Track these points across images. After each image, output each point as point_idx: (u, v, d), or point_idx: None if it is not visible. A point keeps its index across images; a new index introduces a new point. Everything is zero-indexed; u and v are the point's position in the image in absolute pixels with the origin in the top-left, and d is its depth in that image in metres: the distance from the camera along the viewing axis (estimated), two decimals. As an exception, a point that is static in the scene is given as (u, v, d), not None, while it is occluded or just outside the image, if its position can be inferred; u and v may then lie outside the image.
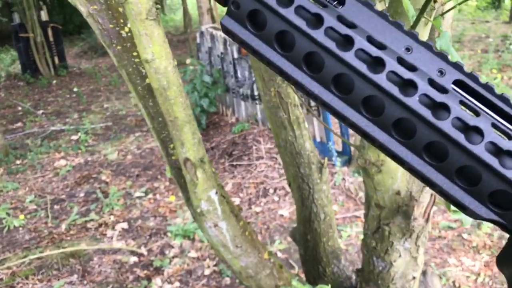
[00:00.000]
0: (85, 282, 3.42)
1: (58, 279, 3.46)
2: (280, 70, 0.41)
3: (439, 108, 0.38)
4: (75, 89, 8.23)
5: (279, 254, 3.53)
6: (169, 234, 3.89)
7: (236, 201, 4.31)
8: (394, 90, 0.38)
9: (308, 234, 1.85)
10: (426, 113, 0.37)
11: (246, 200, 4.33)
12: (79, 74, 9.49)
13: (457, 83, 0.39)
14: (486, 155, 0.37)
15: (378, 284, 1.59)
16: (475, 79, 0.39)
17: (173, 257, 3.62)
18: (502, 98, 0.39)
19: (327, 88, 0.40)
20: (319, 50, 0.39)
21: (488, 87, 0.39)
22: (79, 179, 5.04)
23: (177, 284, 3.35)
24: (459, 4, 0.93)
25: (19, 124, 6.87)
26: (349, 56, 0.38)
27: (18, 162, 5.50)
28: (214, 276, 3.38)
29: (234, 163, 4.89)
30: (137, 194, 4.61)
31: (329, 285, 1.48)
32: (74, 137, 6.15)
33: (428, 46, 0.40)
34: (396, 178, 1.39)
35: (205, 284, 3.33)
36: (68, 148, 5.79)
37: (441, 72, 0.39)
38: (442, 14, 0.99)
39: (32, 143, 6.00)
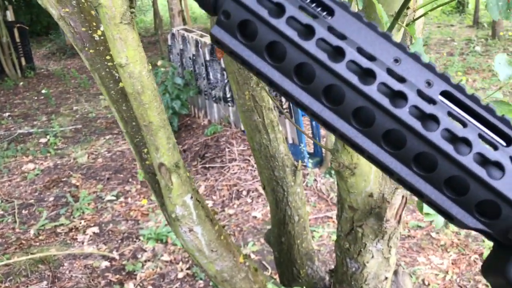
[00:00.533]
0: (55, 288, 3.36)
1: (27, 286, 3.38)
2: (269, 81, 0.41)
3: (429, 120, 0.39)
4: (43, 91, 8.05)
5: (253, 256, 3.54)
6: (141, 237, 3.85)
7: (209, 203, 4.30)
8: (385, 102, 0.38)
9: (282, 236, 1.86)
10: (416, 125, 0.38)
11: (219, 202, 4.33)
12: (47, 76, 9.29)
13: (445, 94, 0.40)
14: (474, 166, 0.38)
15: (351, 285, 1.61)
16: (461, 90, 0.40)
17: (145, 261, 3.58)
18: (487, 108, 0.40)
19: (317, 99, 0.40)
20: (310, 61, 0.39)
21: (474, 98, 0.40)
22: (48, 183, 4.94)
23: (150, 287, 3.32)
24: (431, 10, 0.96)
25: (-15, 127, 6.68)
26: (340, 68, 0.38)
27: (-17, 166, 5.36)
28: (188, 279, 3.36)
29: (207, 165, 4.88)
30: (108, 197, 4.55)
31: (303, 287, 1.50)
32: (43, 140, 6.02)
33: (416, 57, 0.40)
34: (369, 181, 1.41)
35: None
36: (37, 152, 5.66)
37: (429, 83, 0.40)
38: (414, 20, 1.02)
39: (-2, 147, 5.85)
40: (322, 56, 0.39)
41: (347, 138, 0.40)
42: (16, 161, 5.46)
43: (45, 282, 3.42)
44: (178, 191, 1.31)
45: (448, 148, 0.38)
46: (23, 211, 4.40)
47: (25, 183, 4.97)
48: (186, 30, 5.91)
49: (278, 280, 1.99)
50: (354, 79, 0.39)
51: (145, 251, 3.71)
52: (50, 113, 7.09)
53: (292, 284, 1.86)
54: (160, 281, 3.38)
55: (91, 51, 1.31)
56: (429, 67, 0.40)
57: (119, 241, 3.88)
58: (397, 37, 1.07)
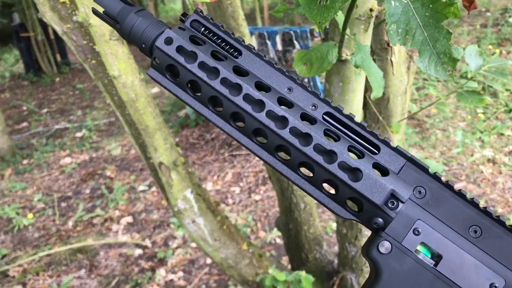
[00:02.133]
0: (92, 276, 3.57)
1: (67, 274, 3.62)
2: (193, 109, 0.54)
3: (304, 137, 0.51)
4: (78, 86, 8.35)
5: (278, 241, 3.65)
6: (172, 225, 4.02)
7: (236, 190, 4.43)
8: (272, 124, 0.51)
9: (289, 223, 1.95)
10: (295, 141, 0.50)
11: (246, 189, 4.45)
12: (81, 71, 9.60)
13: (327, 114, 0.53)
14: (339, 172, 0.50)
15: (352, 267, 1.70)
16: (339, 110, 0.53)
17: (176, 248, 3.75)
18: (360, 124, 0.53)
19: (227, 122, 0.53)
20: (217, 94, 0.52)
21: (349, 117, 0.53)
22: (84, 176, 5.18)
23: (181, 274, 3.49)
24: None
25: (25, 124, 7.02)
26: (238, 100, 0.51)
27: (25, 162, 5.66)
28: (215, 264, 3.50)
29: (234, 153, 5.00)
30: (141, 188, 4.74)
31: (303, 271, 1.59)
32: (78, 134, 6.28)
33: (304, 86, 0.53)
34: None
35: (207, 273, 3.46)
36: (73, 146, 5.92)
37: (315, 106, 0.53)
38: (378, 24, 1.08)
39: (37, 143, 6.15)
40: (225, 91, 0.52)
41: (250, 151, 0.53)
42: (55, 156, 5.74)
43: (83, 270, 3.65)
44: (178, 186, 1.42)
45: (319, 158, 0.50)
46: (62, 204, 4.65)
47: (63, 176, 5.23)
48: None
49: (289, 265, 2.08)
50: (248, 108, 0.51)
51: (175, 238, 3.87)
52: (85, 108, 7.36)
53: (301, 268, 1.96)
54: (190, 267, 3.54)
55: (93, 61, 1.43)
56: (315, 94, 0.53)
57: (152, 229, 4.06)
58: (365, 38, 1.13)
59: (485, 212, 0.51)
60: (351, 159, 0.50)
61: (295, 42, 4.66)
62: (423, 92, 5.42)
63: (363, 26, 1.11)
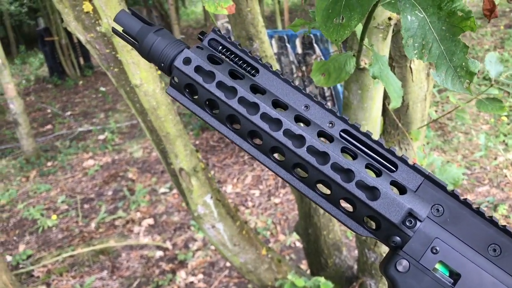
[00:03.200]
0: (114, 277, 3.63)
1: (90, 275, 3.68)
2: (212, 126, 0.55)
3: (321, 156, 0.51)
4: (100, 89, 8.48)
5: (297, 244, 3.65)
6: (192, 228, 4.05)
7: (256, 193, 4.44)
8: (289, 143, 0.51)
9: (309, 228, 1.96)
10: (312, 160, 0.51)
11: (265, 192, 4.46)
12: (104, 74, 9.73)
13: (344, 131, 0.53)
14: (356, 190, 0.50)
15: (372, 274, 1.69)
16: (356, 128, 0.53)
17: (196, 250, 3.78)
18: (377, 142, 0.53)
19: (245, 140, 0.54)
20: (235, 113, 0.53)
21: (366, 135, 0.53)
22: (107, 178, 5.26)
23: (201, 276, 3.52)
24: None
25: (49, 126, 7.15)
26: (255, 119, 0.52)
27: (49, 164, 5.77)
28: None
29: (254, 155, 5.01)
30: (162, 190, 4.79)
31: (322, 277, 1.59)
32: (101, 137, 6.38)
33: (321, 104, 0.54)
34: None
35: (227, 275, 3.48)
36: (96, 148, 6.02)
37: (332, 124, 0.53)
38: (397, 32, 1.08)
39: (61, 145, 6.26)
40: (243, 111, 0.52)
41: (268, 168, 0.54)
42: (78, 158, 5.84)
43: (105, 272, 3.70)
44: (198, 192, 1.44)
45: (336, 177, 0.50)
46: (85, 206, 4.73)
47: (86, 178, 5.32)
48: (228, 22, 6.03)
49: (308, 270, 2.09)
50: (266, 127, 0.52)
51: (196, 240, 3.91)
52: (107, 110, 7.47)
53: (321, 273, 1.96)
54: (210, 269, 3.57)
55: (115, 69, 1.46)
56: (332, 111, 0.53)
57: (172, 231, 4.11)
58: (384, 46, 1.13)
59: (504, 230, 0.50)
60: (369, 177, 0.50)
61: (315, 45, 4.65)
62: (445, 95, 5.36)
63: (382, 35, 1.11)
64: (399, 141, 1.48)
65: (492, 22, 8.95)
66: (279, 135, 0.51)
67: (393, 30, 1.14)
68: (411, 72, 1.40)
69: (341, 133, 0.53)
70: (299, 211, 2.02)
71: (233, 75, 0.54)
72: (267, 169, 3.56)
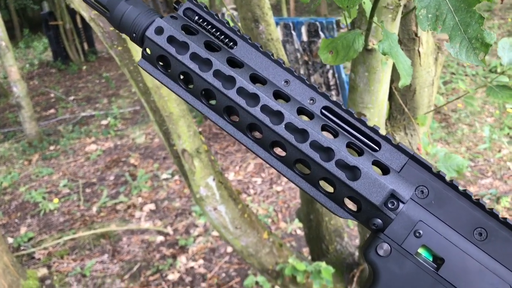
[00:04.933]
0: (115, 261, 3.63)
1: (91, 259, 3.69)
2: (186, 102, 0.52)
3: (300, 133, 0.48)
4: (104, 75, 8.45)
5: (298, 232, 3.64)
6: (193, 214, 4.05)
7: (258, 181, 4.44)
8: (266, 120, 0.48)
9: (310, 214, 1.95)
10: (290, 138, 0.48)
11: (267, 179, 4.45)
12: (107, 59, 9.71)
13: (326, 108, 0.50)
14: (336, 170, 0.47)
15: (373, 260, 1.68)
16: (339, 105, 0.50)
17: (197, 236, 3.78)
18: (360, 120, 0.50)
19: (221, 116, 0.51)
20: (210, 87, 0.49)
21: (349, 112, 0.50)
22: (109, 163, 5.26)
23: (201, 261, 3.52)
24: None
25: (52, 110, 7.15)
26: (231, 93, 0.49)
27: (51, 148, 5.76)
28: (236, 253, 3.52)
29: (256, 143, 5.00)
30: (164, 176, 4.79)
31: (324, 262, 1.58)
32: (104, 122, 6.37)
33: (302, 79, 0.50)
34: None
35: (227, 261, 3.48)
36: (98, 133, 6.01)
37: (313, 100, 0.50)
38: (406, 14, 1.06)
39: (64, 129, 6.25)
40: (218, 84, 0.49)
41: (245, 146, 0.51)
42: (80, 143, 5.83)
43: (106, 255, 3.71)
44: (200, 174, 1.43)
45: (315, 156, 0.48)
46: (87, 190, 4.73)
47: (88, 163, 5.31)
48: (235, 9, 5.99)
49: (309, 256, 2.08)
50: (242, 102, 0.49)
51: (197, 226, 3.91)
52: (110, 96, 7.45)
53: (322, 259, 1.95)
54: (210, 255, 3.57)
55: (119, 48, 1.44)
56: (313, 87, 0.50)
57: (173, 217, 4.11)
58: (393, 27, 1.11)
59: (491, 214, 0.48)
60: (349, 156, 0.48)
61: (321, 33, 4.62)
62: (450, 86, 5.32)
63: (391, 15, 1.09)
64: (405, 126, 1.46)
65: (499, 15, 8.88)
66: (256, 111, 0.49)
67: (402, 12, 1.12)
68: (419, 56, 1.38)
69: (322, 110, 0.50)
70: (301, 196, 2.01)
71: (209, 47, 0.51)
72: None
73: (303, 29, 4.73)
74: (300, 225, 3.72)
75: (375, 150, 0.49)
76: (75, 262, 3.67)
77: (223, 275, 3.37)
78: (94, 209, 4.36)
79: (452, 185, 0.48)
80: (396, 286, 0.48)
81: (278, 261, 1.66)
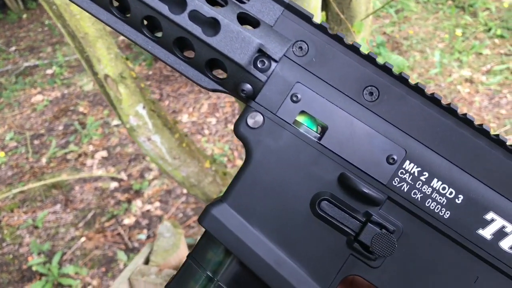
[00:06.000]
0: (68, 210, 3.53)
1: (42, 210, 3.57)
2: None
3: None
4: (46, 22, 7.99)
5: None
6: (148, 158, 3.95)
7: (212, 121, 4.35)
8: None
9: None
10: None
11: (222, 119, 4.36)
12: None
13: None
14: (189, 24, 0.38)
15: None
16: None
17: (152, 179, 3.71)
18: None
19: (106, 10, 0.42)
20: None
21: None
22: (57, 113, 5.04)
23: (157, 204, 3.46)
24: None
25: (-8, 63, 6.75)
26: None
27: (-6, 101, 5.48)
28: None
29: (209, 83, 4.87)
30: (115, 122, 4.62)
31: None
32: (49, 71, 6.06)
33: None
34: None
35: (184, 202, 3.44)
36: (44, 83, 5.73)
37: None
38: None
39: (6, 81, 5.93)
40: None
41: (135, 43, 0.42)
42: (26, 94, 5.55)
43: (58, 205, 3.60)
44: (128, 101, 1.33)
45: (163, 9, 0.38)
46: (35, 142, 4.54)
47: (35, 114, 5.08)
48: None
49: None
50: None
51: (151, 170, 3.82)
52: (54, 44, 7.07)
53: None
54: (166, 197, 3.51)
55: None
56: None
57: (127, 162, 4.00)
58: None
59: (383, 68, 0.40)
60: (206, 7, 0.39)
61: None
62: (402, 14, 5.27)
63: None
64: (343, 38, 1.39)
65: None
66: None
67: None
68: (354, -41, 1.29)
69: None
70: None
71: None
72: (224, 96, 3.43)
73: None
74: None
75: (242, 2, 0.40)
76: (26, 214, 3.55)
77: (180, 215, 3.33)
78: (44, 160, 4.19)
79: (337, 37, 0.40)
80: (271, 162, 0.40)
81: (222, 190, 1.61)
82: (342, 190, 0.40)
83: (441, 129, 0.39)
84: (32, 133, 4.70)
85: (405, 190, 0.40)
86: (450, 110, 0.40)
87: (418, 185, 0.40)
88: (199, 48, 0.39)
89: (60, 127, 4.70)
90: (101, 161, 4.06)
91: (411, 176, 0.40)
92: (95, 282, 3.01)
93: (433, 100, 0.40)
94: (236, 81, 0.40)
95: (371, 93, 0.40)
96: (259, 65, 0.39)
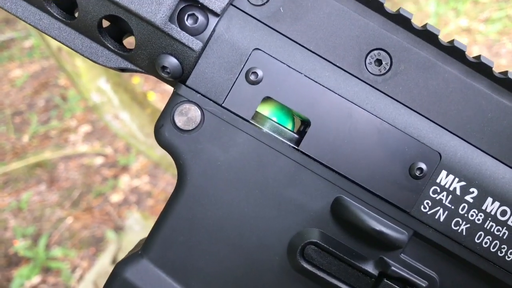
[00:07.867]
0: (53, 190, 3.39)
1: (26, 191, 3.42)
2: None
3: None
4: (21, -8, 7.66)
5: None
6: (133, 130, 3.79)
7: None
8: None
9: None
10: None
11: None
12: (24, -25, 8.80)
13: None
14: None
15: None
16: None
17: (139, 153, 3.55)
18: None
19: None
20: None
21: None
22: (37, 87, 4.84)
23: (146, 178, 3.32)
24: None
25: (-33, 38, 6.46)
26: None
27: (-29, 78, 5.25)
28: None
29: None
30: (98, 94, 4.44)
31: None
32: (27, 44, 5.80)
33: None
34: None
35: (174, 174, 3.29)
36: (22, 57, 5.49)
37: None
38: None
39: (-17, 57, 5.68)
40: None
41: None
42: (3, 69, 5.32)
43: (43, 185, 3.45)
44: (87, 75, 1.15)
45: None
46: (16, 119, 4.35)
47: (14, 90, 4.88)
48: None
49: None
50: None
51: (138, 143, 3.66)
52: (31, 15, 6.79)
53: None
54: (155, 171, 3.37)
55: None
56: None
57: (112, 136, 3.83)
58: None
59: (398, 19, 0.24)
60: None
61: None
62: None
63: None
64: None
65: None
66: None
67: None
68: None
69: None
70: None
71: None
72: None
73: None
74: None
75: None
76: (10, 196, 3.41)
77: (170, 188, 3.19)
78: (26, 138, 4.02)
79: None
80: (219, 186, 0.24)
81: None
82: (338, 226, 0.24)
83: (495, 115, 0.22)
84: (12, 110, 4.50)
85: (441, 219, 0.24)
86: (507, 83, 0.23)
87: (462, 209, 0.23)
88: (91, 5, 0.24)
89: (41, 103, 4.50)
90: (85, 136, 3.89)
91: (450, 196, 0.23)
92: (84, 264, 2.90)
93: (481, 68, 0.23)
94: (151, 52, 0.24)
95: (378, 62, 0.24)
96: (188, 23, 0.24)
